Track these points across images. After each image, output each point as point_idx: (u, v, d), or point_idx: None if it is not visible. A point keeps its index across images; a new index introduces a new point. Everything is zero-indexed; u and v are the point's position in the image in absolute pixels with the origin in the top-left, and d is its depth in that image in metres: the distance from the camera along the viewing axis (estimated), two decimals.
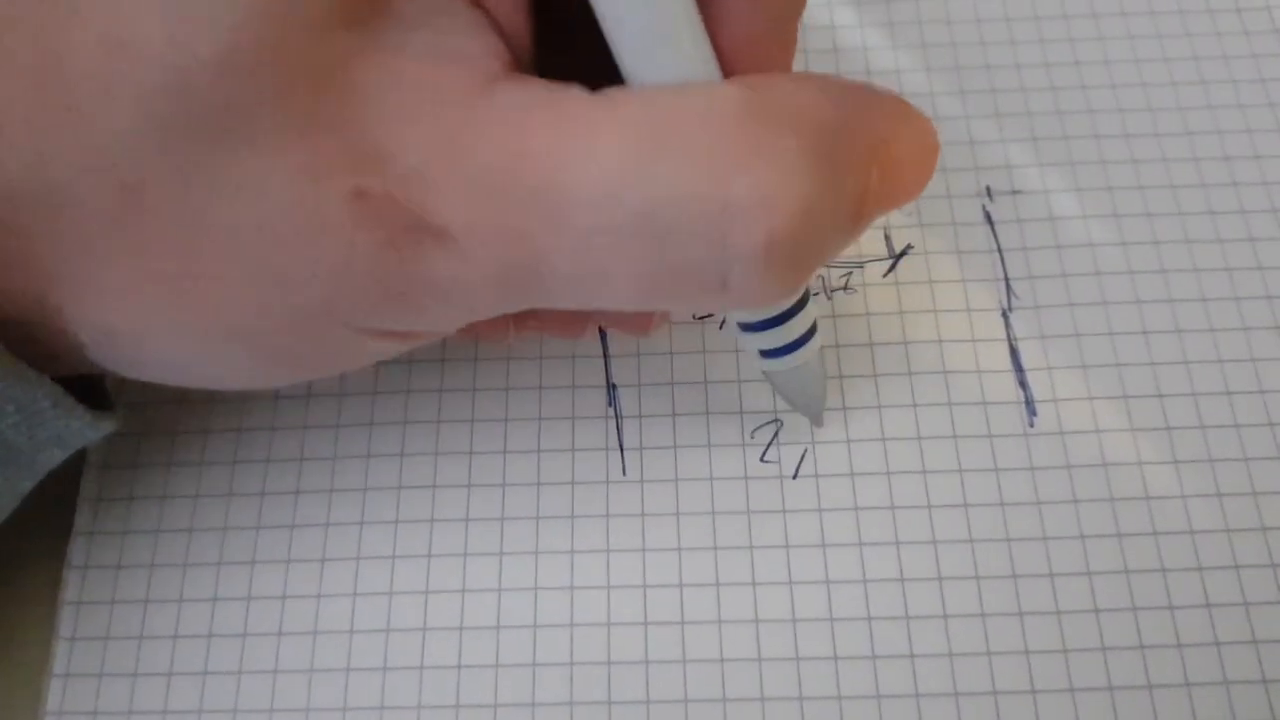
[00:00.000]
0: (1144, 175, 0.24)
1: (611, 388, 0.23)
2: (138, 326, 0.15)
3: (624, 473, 0.22)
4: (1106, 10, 0.26)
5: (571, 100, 0.13)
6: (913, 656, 0.20)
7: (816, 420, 0.22)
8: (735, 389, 0.23)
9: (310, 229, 0.14)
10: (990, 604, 0.20)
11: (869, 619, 0.20)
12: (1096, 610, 0.20)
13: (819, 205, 0.14)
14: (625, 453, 0.22)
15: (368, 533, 0.22)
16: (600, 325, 0.22)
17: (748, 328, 0.19)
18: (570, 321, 0.20)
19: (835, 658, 0.20)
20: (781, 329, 0.19)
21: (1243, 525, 0.21)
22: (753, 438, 0.22)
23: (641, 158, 0.13)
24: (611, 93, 0.14)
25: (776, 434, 0.22)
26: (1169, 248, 0.24)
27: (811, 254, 0.15)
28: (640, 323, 0.20)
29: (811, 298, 0.19)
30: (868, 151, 0.14)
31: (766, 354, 0.20)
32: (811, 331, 0.19)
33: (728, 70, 0.15)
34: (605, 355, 0.23)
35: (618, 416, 0.23)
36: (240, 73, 0.12)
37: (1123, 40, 0.26)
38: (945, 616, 0.20)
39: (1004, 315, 0.23)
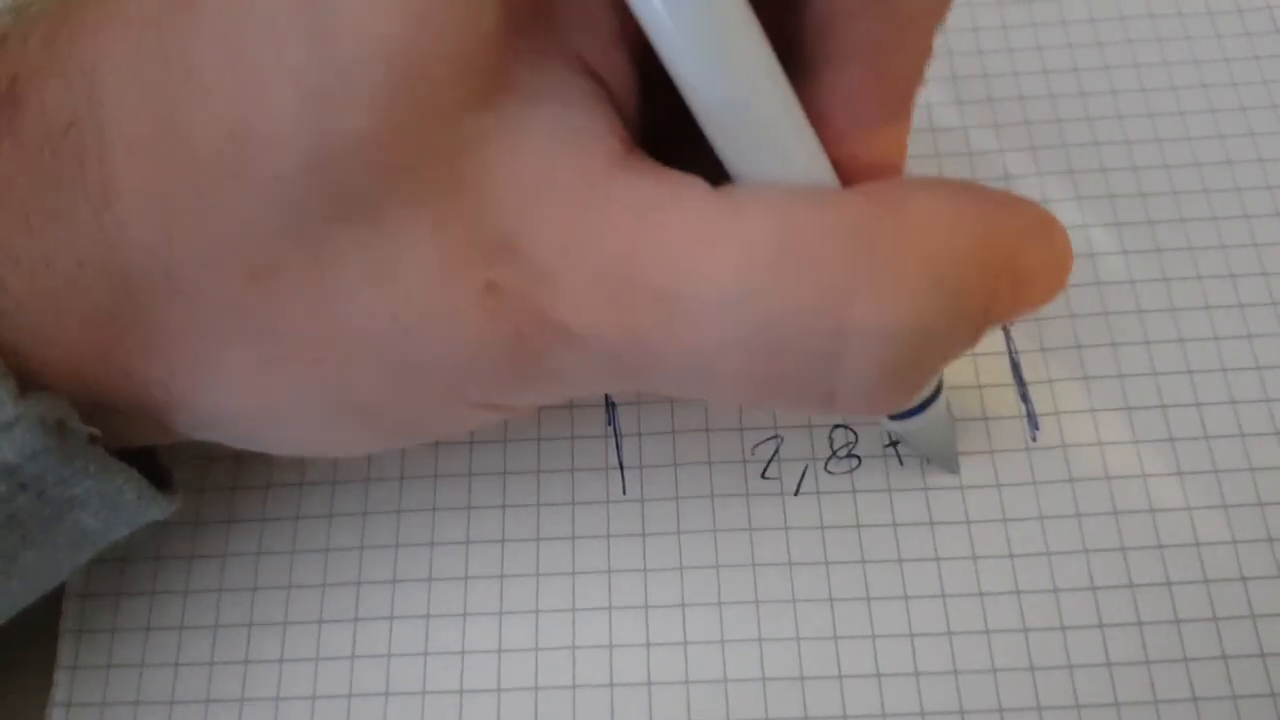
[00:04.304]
0: (1144, 182, 0.24)
1: (610, 406, 0.23)
2: (255, 407, 0.15)
3: (624, 492, 0.22)
4: (1104, 15, 0.26)
5: (694, 199, 0.13)
6: (917, 674, 0.20)
7: (951, 469, 0.21)
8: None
9: (442, 319, 0.13)
10: (994, 620, 0.20)
11: (873, 637, 0.20)
12: (1101, 625, 0.20)
13: (937, 331, 0.13)
14: (625, 471, 0.22)
15: (367, 558, 0.21)
16: None
17: None
18: None
19: (840, 676, 0.20)
20: None
21: (1249, 537, 0.21)
22: (753, 454, 0.22)
23: (762, 272, 0.13)
24: (734, 194, 0.13)
25: (777, 450, 0.22)
26: (1170, 255, 0.23)
27: (925, 373, 0.14)
28: None
29: None
30: (997, 269, 0.14)
31: (893, 417, 0.19)
32: (937, 392, 0.19)
33: (844, 143, 0.14)
34: None
35: (617, 435, 0.22)
36: (371, 157, 0.12)
37: (1121, 45, 0.26)
38: (950, 634, 0.20)
39: (1004, 328, 0.23)
